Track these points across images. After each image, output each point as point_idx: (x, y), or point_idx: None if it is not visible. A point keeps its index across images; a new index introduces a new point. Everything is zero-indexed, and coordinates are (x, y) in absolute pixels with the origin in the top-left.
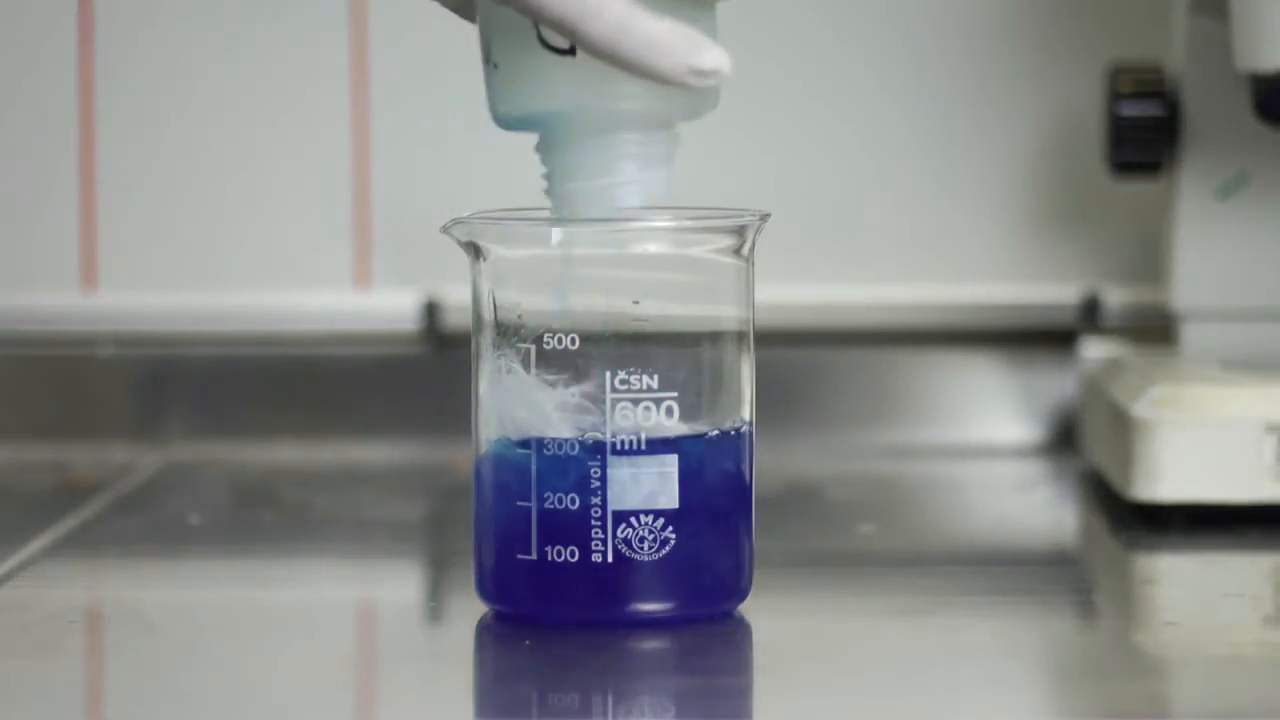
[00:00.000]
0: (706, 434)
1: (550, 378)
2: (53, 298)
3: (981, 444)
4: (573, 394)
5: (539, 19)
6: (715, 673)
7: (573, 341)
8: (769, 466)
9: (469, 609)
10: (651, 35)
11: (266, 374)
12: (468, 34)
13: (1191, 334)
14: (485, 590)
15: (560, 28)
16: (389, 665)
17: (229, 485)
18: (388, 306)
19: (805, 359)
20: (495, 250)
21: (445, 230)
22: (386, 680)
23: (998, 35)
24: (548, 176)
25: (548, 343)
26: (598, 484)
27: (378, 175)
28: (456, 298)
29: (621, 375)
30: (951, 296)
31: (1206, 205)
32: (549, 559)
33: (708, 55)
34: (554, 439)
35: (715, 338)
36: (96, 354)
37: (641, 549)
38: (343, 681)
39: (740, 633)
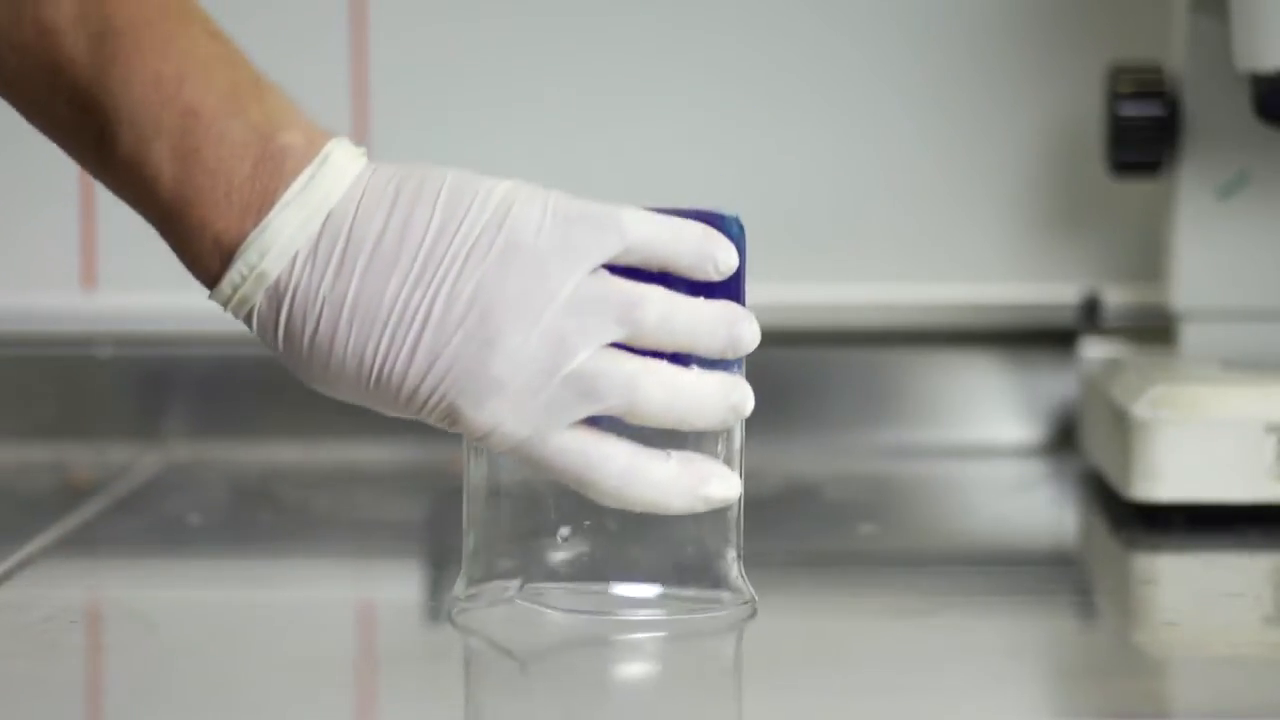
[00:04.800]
0: None
1: None
2: (53, 298)
3: (981, 444)
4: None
5: (547, 472)
6: (713, 672)
7: None
8: (769, 466)
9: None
10: (658, 480)
11: (266, 374)
12: (468, 32)
13: (1191, 334)
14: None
15: (567, 478)
16: (389, 665)
17: (229, 485)
18: None
19: (805, 359)
20: None
21: None
22: (386, 680)
23: (998, 36)
24: None
25: None
26: None
27: None
28: None
29: None
30: (952, 296)
31: (1206, 205)
32: None
33: (716, 486)
34: None
35: None
36: (96, 354)
37: None
38: (343, 681)
39: (739, 632)
